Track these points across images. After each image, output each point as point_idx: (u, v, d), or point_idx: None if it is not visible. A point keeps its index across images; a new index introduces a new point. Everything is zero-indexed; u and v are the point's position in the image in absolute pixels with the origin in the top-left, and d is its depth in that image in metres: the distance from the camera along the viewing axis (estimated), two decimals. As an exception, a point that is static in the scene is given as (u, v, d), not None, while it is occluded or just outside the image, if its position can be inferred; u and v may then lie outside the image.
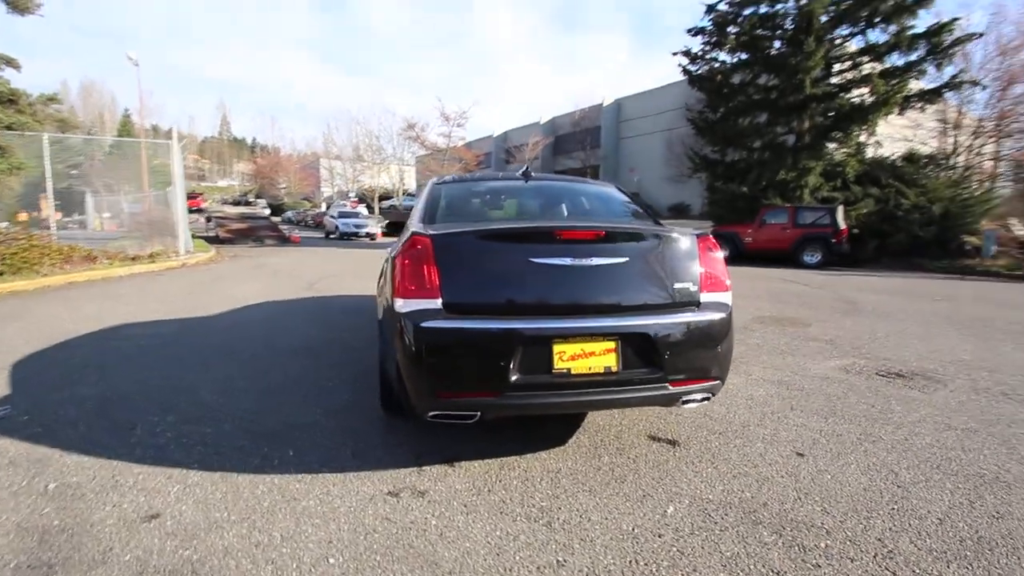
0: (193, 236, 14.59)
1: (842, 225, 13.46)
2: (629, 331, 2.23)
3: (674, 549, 1.85)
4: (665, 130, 26.30)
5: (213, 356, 4.23)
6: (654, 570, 1.74)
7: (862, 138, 16.23)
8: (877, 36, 15.61)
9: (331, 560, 1.77)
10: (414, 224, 2.89)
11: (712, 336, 2.37)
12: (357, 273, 10.29)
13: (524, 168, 3.43)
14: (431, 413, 2.24)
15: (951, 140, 17.19)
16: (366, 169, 37.45)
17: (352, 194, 36.31)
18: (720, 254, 2.57)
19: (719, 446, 2.69)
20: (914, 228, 14.11)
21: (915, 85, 15.30)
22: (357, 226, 22.88)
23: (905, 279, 10.82)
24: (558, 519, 2.03)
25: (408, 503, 2.13)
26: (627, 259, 2.33)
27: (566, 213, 3.17)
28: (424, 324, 2.16)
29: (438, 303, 2.21)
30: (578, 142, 33.08)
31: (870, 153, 16.54)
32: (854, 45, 16.23)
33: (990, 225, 14.18)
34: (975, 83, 15.52)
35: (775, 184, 15.93)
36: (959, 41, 14.43)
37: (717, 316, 2.39)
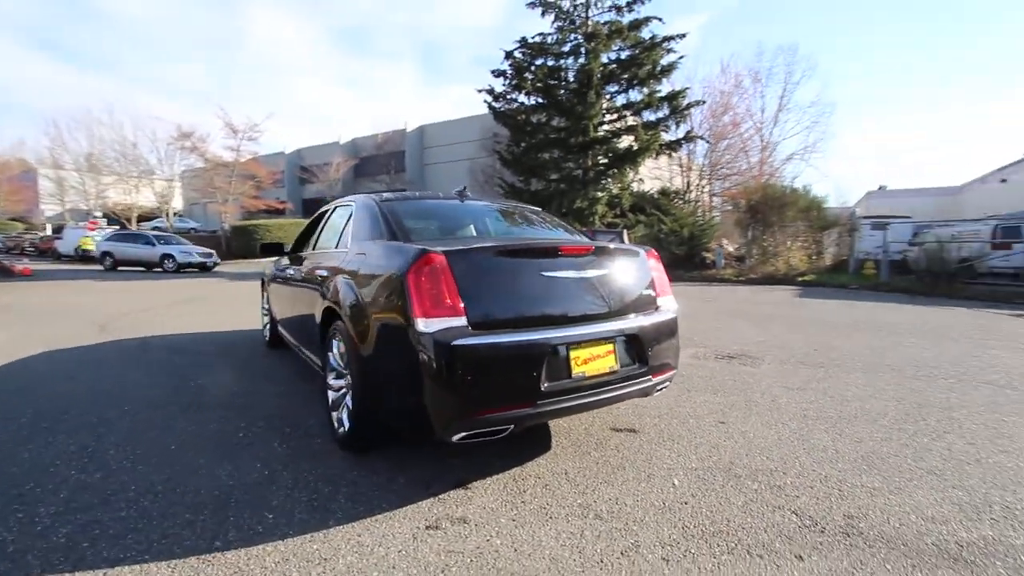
0: None
1: (627, 245, 16.35)
2: (622, 332, 2.54)
3: (704, 510, 2.19)
4: (468, 159, 27.95)
5: (38, 423, 3.12)
6: (704, 529, 2.04)
7: (630, 176, 20.00)
8: (635, 96, 19.58)
9: (429, 605, 1.62)
10: (374, 242, 2.75)
11: (672, 332, 2.84)
12: (167, 309, 8.44)
13: (461, 188, 3.49)
14: (460, 435, 2.18)
15: (685, 180, 22.35)
16: (118, 183, 30.27)
17: (98, 213, 28.90)
18: (660, 264, 3.09)
19: (666, 427, 3.17)
20: (672, 247, 17.93)
21: (665, 136, 19.58)
22: (204, 255, 18.65)
23: (677, 287, 13.65)
24: (603, 510, 2.19)
25: (458, 531, 2.02)
26: (609, 271, 2.65)
27: (526, 230, 3.34)
28: (457, 343, 2.11)
29: (463, 320, 2.18)
30: (382, 165, 32.74)
31: (636, 188, 20.47)
32: (622, 100, 20.00)
33: (716, 244, 18.91)
34: (701, 137, 20.68)
35: (573, 211, 18.44)
36: (689, 105, 19.10)
37: (672, 315, 2.88)
